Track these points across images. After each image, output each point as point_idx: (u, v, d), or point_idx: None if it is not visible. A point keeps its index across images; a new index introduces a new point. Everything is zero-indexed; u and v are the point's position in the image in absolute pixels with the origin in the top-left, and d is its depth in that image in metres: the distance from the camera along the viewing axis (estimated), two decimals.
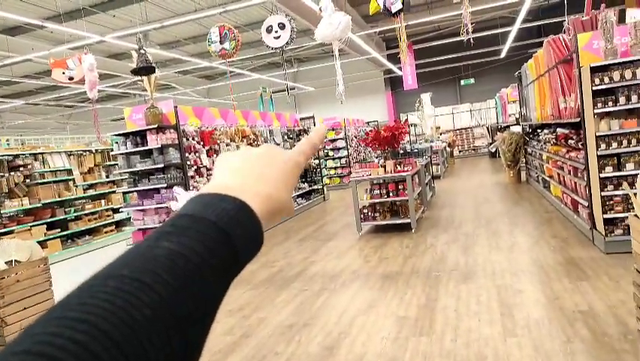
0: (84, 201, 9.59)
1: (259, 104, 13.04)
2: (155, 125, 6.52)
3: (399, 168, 7.39)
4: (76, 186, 9.51)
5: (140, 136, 6.79)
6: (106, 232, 9.85)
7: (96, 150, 10.32)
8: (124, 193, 10.05)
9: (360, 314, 4.36)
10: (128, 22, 12.58)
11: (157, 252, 0.34)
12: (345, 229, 8.30)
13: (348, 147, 15.92)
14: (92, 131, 19.85)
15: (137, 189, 6.87)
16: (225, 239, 0.38)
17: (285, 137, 11.13)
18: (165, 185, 6.63)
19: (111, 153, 8.22)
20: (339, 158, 15.87)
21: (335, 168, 15.91)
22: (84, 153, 10.01)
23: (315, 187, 12.45)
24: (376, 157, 15.22)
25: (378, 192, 7.47)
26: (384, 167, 7.39)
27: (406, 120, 8.69)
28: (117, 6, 11.47)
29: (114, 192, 9.98)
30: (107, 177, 10.31)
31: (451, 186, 12.37)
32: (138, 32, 6.58)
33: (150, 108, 6.49)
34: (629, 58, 4.84)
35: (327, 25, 4.91)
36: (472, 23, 5.05)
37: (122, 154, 6.93)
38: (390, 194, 7.40)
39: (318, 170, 12.88)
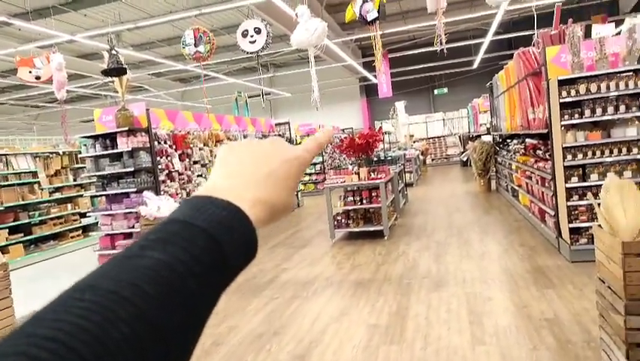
0: (49, 204, 9.28)
1: (234, 108, 12.94)
2: (126, 128, 6.37)
3: (372, 175, 7.44)
4: (42, 189, 9.19)
5: (110, 139, 6.62)
6: (72, 237, 9.54)
7: (63, 153, 10.01)
8: (92, 197, 9.79)
9: (332, 322, 4.33)
10: (99, 21, 12.29)
11: (140, 262, 0.33)
12: (319, 236, 8.27)
13: (323, 153, 15.94)
14: (60, 132, 19.29)
15: (105, 193, 6.68)
16: (215, 246, 0.36)
17: None
18: (135, 189, 6.47)
19: (79, 156, 7.98)
20: (314, 164, 15.87)
21: (310, 174, 15.90)
22: (51, 155, 9.69)
23: None
24: (350, 164, 15.32)
25: (352, 199, 7.49)
26: (358, 174, 7.42)
27: (380, 128, 8.76)
28: (89, 5, 11.19)
29: (82, 195, 9.68)
30: (75, 180, 10.00)
31: (424, 193, 12.52)
32: (110, 32, 6.43)
33: (121, 110, 6.34)
34: (594, 72, 5.01)
35: (303, 32, 4.91)
36: (445, 34, 5.13)
37: (90, 157, 6.73)
38: (364, 201, 7.43)
39: None
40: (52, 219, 9.18)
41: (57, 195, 9.52)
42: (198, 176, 8.04)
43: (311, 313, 4.63)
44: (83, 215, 9.86)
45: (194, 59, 6.08)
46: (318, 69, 17.20)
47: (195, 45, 5.92)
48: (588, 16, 11.88)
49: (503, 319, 4.01)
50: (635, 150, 4.95)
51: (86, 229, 9.90)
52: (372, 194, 7.40)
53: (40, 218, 8.97)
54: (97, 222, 9.36)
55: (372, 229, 7.44)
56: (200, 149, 8.17)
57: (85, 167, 9.76)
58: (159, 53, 15.55)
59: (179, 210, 0.39)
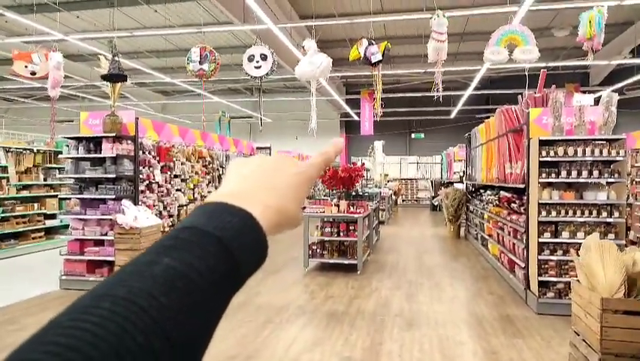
0: (15, 202, 8.91)
1: (216, 127, 12.95)
2: (113, 134, 6.29)
3: (352, 208, 7.55)
4: (10, 186, 8.84)
5: (94, 143, 6.51)
6: (34, 238, 9.15)
7: (37, 150, 9.71)
8: (60, 199, 9.47)
9: (306, 351, 4.32)
10: (91, 24, 12.24)
11: (156, 270, 0.34)
12: (292, 263, 8.25)
13: None
14: (31, 129, 18.66)
15: (81, 196, 6.50)
16: (228, 254, 0.37)
17: None
18: (114, 196, 6.34)
19: (60, 157, 7.77)
20: None
21: None
22: (24, 152, 9.38)
23: None
24: (325, 195, 15.42)
25: (329, 230, 7.56)
26: (338, 206, 7.52)
27: (363, 164, 8.97)
28: (84, 7, 11.15)
29: (53, 196, 9.36)
30: (45, 180, 9.67)
31: (395, 232, 12.72)
32: (114, 38, 6.44)
33: (110, 116, 6.28)
34: (572, 136, 5.36)
35: (308, 64, 5.08)
36: (443, 83, 5.41)
37: (71, 158, 6.58)
38: (341, 233, 7.51)
39: None
40: (16, 217, 8.81)
41: (25, 193, 9.17)
42: (177, 190, 7.96)
43: (285, 339, 4.60)
44: (48, 216, 9.50)
45: (196, 76, 6.14)
46: (301, 100, 17.51)
47: (200, 63, 5.99)
48: (562, 84, 12.70)
49: None
50: (604, 214, 5.27)
51: (50, 232, 9.52)
52: (350, 227, 7.50)
53: (3, 215, 8.59)
54: (64, 225, 9.05)
55: (346, 262, 7.50)
56: (182, 163, 8.11)
57: (58, 168, 9.51)
58: (146, 63, 15.50)
59: (194, 216, 0.40)
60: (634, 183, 8.53)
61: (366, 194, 10.04)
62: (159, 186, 7.38)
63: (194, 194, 8.54)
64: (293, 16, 10.77)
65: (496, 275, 7.47)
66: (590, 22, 5.06)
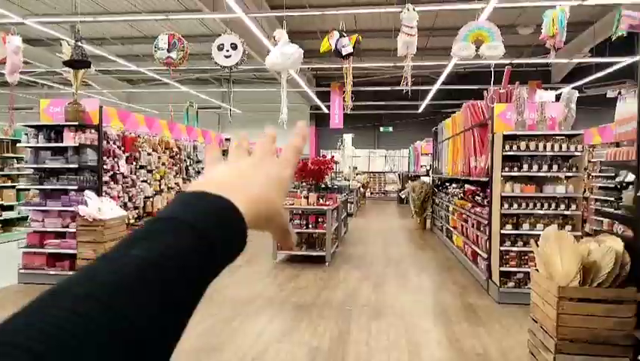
0: None
1: (184, 117, 12.69)
2: (76, 123, 6.08)
3: (321, 201, 7.59)
4: None
5: (55, 131, 6.27)
6: None
7: None
8: (18, 190, 9.10)
9: (274, 342, 4.34)
10: (51, 8, 11.72)
11: (125, 261, 0.33)
12: (260, 256, 8.22)
13: None
14: None
15: (41, 187, 6.27)
16: (203, 242, 0.37)
17: None
18: (76, 187, 6.14)
19: (18, 145, 7.44)
20: None
21: None
22: None
23: None
24: (294, 188, 15.42)
25: (298, 222, 7.57)
26: (307, 198, 7.54)
27: (333, 157, 9.02)
28: None
29: (14, 187, 8.96)
30: (2, 170, 9.26)
31: (363, 225, 12.86)
32: (78, 23, 6.18)
33: (72, 104, 6.06)
34: (534, 132, 5.55)
35: (280, 55, 5.04)
36: (412, 78, 5.48)
37: (31, 147, 6.32)
38: (310, 226, 7.54)
39: None
40: None
41: None
42: (143, 181, 7.78)
43: (252, 331, 4.60)
44: (5, 208, 9.11)
45: (164, 64, 5.99)
46: (271, 91, 17.36)
47: (168, 51, 5.85)
48: (526, 80, 13.07)
49: (438, 351, 4.23)
50: (562, 206, 5.50)
51: (7, 224, 9.14)
52: (319, 219, 7.54)
53: None
54: (22, 217, 8.71)
55: (314, 254, 7.54)
56: (148, 154, 7.93)
57: (17, 157, 9.12)
58: (111, 50, 14.99)
59: (171, 205, 0.40)
60: (590, 177, 8.92)
61: (336, 187, 10.10)
62: (124, 177, 7.19)
63: (160, 185, 8.37)
64: (264, 5, 10.64)
65: (459, 266, 7.68)
66: (552, 20, 5.23)
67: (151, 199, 8.05)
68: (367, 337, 4.49)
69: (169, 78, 16.47)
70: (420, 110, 19.96)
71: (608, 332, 2.83)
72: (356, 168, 19.60)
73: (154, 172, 8.13)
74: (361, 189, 17.57)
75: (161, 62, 5.93)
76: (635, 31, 3.92)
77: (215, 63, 5.88)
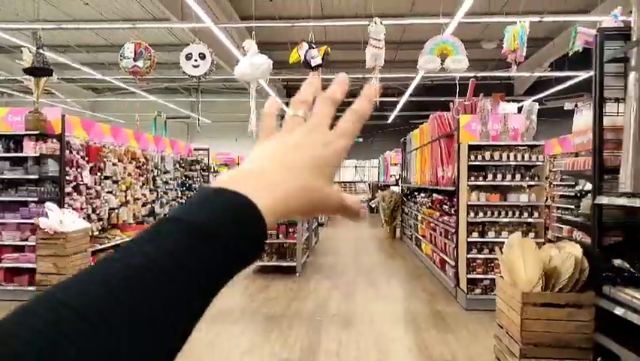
0: None
1: (152, 127, 12.47)
2: (37, 132, 5.88)
3: None
4: None
5: (14, 141, 6.04)
6: None
7: None
8: None
9: (244, 355, 4.27)
10: (12, 14, 11.35)
11: (112, 269, 0.31)
12: None
13: None
14: None
15: None
16: (213, 242, 0.34)
17: (177, 165, 10.73)
18: (37, 199, 5.92)
19: None
20: None
21: None
22: None
23: None
24: None
25: (268, 232, 7.51)
26: None
27: None
28: None
29: None
30: None
31: (334, 234, 12.90)
32: (39, 30, 5.99)
33: (33, 113, 5.86)
34: (498, 142, 5.73)
35: (249, 65, 5.04)
36: (380, 89, 5.56)
37: None
38: (280, 236, 7.50)
39: None
40: None
41: None
42: (108, 192, 7.57)
43: (223, 343, 4.52)
44: None
45: (130, 73, 5.88)
46: (241, 101, 17.28)
47: (134, 59, 5.74)
48: (490, 93, 13.50)
49: (407, 359, 4.26)
50: (525, 214, 5.67)
51: None
52: (289, 230, 7.51)
53: None
54: None
55: (285, 264, 7.50)
56: (113, 164, 7.72)
57: None
58: (75, 57, 14.62)
59: (183, 205, 0.38)
60: (551, 186, 9.25)
61: None
62: (88, 188, 6.98)
63: (126, 196, 8.16)
64: (233, 16, 10.63)
65: (428, 274, 7.79)
66: (513, 35, 5.44)
67: (116, 211, 7.84)
68: (337, 347, 4.48)
69: (136, 87, 16.21)
70: (389, 121, 20.27)
71: (569, 335, 2.93)
72: None
73: (119, 183, 7.93)
74: None
75: (127, 70, 5.82)
76: (589, 47, 4.12)
77: (184, 73, 5.82)
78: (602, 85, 2.85)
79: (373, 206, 17.61)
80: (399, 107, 17.07)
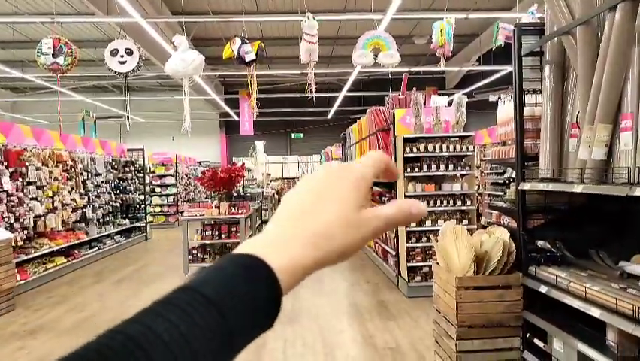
0: None
1: (80, 128, 11.78)
2: None
3: (233, 210, 7.44)
4: None
5: None
6: None
7: None
8: None
9: None
10: None
11: (114, 342, 0.30)
12: (171, 271, 7.87)
13: (178, 184, 15.32)
14: None
15: None
16: (218, 319, 0.33)
17: (110, 167, 10.20)
18: None
19: None
20: (167, 195, 15.12)
21: (161, 205, 15.06)
22: None
23: (137, 224, 11.55)
24: (206, 198, 14.98)
25: (210, 233, 7.34)
26: (219, 208, 7.35)
27: (243, 164, 8.89)
28: None
29: None
30: None
31: None
32: None
33: None
34: (431, 134, 5.94)
35: (180, 61, 4.87)
36: (316, 85, 5.59)
37: None
38: (223, 236, 7.35)
39: (142, 206, 12.03)
40: None
41: None
42: (32, 199, 7.06)
43: None
44: None
45: (50, 70, 5.48)
46: (178, 99, 16.75)
47: (54, 56, 5.35)
48: (423, 87, 13.98)
49: (353, 349, 4.33)
50: (459, 203, 5.93)
51: None
52: (232, 229, 7.37)
53: None
54: None
55: None
56: (37, 168, 7.21)
57: None
58: None
59: (200, 273, 0.36)
60: (482, 174, 9.74)
61: (248, 194, 9.98)
62: (9, 195, 6.48)
63: (53, 202, 7.66)
64: (164, 10, 10.24)
65: (372, 265, 7.96)
66: (441, 31, 5.66)
67: (43, 218, 7.34)
68: (283, 344, 4.47)
69: (61, 86, 15.20)
70: (329, 117, 20.47)
71: (500, 315, 3.10)
72: (269, 175, 19.55)
73: (45, 188, 7.42)
74: (276, 195, 17.55)
75: (46, 68, 5.43)
76: (510, 42, 4.38)
77: (109, 69, 5.52)
78: (521, 77, 3.03)
79: None
80: (338, 102, 17.28)
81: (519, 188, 3.09)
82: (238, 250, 0.39)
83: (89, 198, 9.00)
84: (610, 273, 2.63)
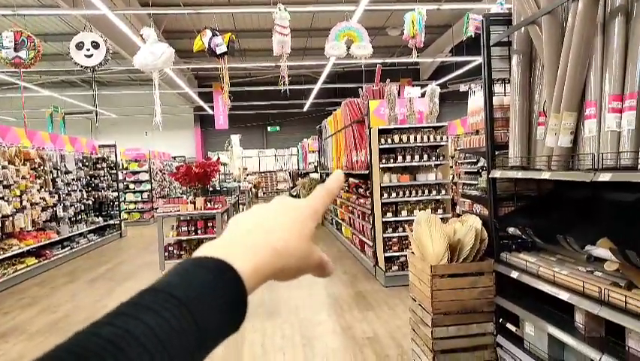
0: None
1: (48, 124, 11.43)
2: None
3: (209, 205, 7.36)
4: None
5: None
6: None
7: None
8: None
9: None
10: None
11: (91, 344, 0.30)
12: (146, 268, 7.75)
13: (152, 180, 15.06)
14: None
15: None
16: (188, 317, 0.33)
17: (80, 164, 9.95)
18: None
19: None
20: (141, 192, 14.85)
21: (135, 202, 14.78)
22: None
23: (111, 222, 11.32)
24: (182, 193, 14.77)
25: (185, 229, 7.25)
26: (194, 203, 7.26)
27: (218, 159, 8.79)
28: None
29: None
30: None
31: None
32: None
33: None
34: (405, 125, 5.98)
35: (149, 54, 4.76)
36: (289, 77, 5.55)
37: None
38: (199, 231, 7.27)
39: (116, 203, 11.79)
40: None
41: None
42: None
43: None
44: None
45: (12, 65, 5.28)
46: (150, 93, 16.42)
47: (16, 50, 5.15)
48: (398, 78, 14.06)
49: (332, 340, 4.36)
50: (434, 192, 6.01)
51: None
52: (208, 224, 7.30)
53: None
54: None
55: None
56: (3, 167, 6.98)
57: None
58: None
59: (165, 275, 0.37)
60: (457, 164, 9.89)
61: (225, 189, 9.88)
62: None
63: (22, 202, 7.43)
64: (133, 2, 9.98)
65: (350, 255, 8.01)
66: (412, 22, 5.68)
67: (11, 218, 7.12)
68: (262, 337, 4.47)
69: (27, 81, 14.70)
70: (305, 109, 20.40)
71: (474, 301, 3.16)
72: (246, 168, 19.40)
73: (12, 187, 7.19)
74: (253, 189, 17.44)
75: (7, 62, 5.23)
76: (480, 33, 4.44)
77: (75, 63, 5.36)
78: (490, 67, 3.07)
79: (295, 194, 17.71)
80: (313, 94, 17.23)
81: (490, 176, 3.14)
82: (199, 253, 0.40)
83: (59, 197, 8.77)
84: (577, 257, 2.71)
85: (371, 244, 6.50)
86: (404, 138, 5.90)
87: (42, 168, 8.16)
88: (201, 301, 0.35)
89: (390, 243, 6.04)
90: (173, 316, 0.33)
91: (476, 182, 8.47)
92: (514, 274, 2.90)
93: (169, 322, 0.32)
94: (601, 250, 2.23)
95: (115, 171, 11.94)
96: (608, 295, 2.15)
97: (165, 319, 0.32)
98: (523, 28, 2.83)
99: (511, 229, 3.06)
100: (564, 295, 2.43)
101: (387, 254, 6.01)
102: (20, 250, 7.34)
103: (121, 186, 12.88)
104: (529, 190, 3.27)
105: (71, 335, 0.31)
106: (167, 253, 7.16)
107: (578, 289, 2.35)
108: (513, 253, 3.09)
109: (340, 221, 9.12)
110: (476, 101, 3.44)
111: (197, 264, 0.38)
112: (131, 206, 14.64)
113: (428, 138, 5.93)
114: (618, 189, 2.37)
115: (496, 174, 3.06)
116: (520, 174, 2.82)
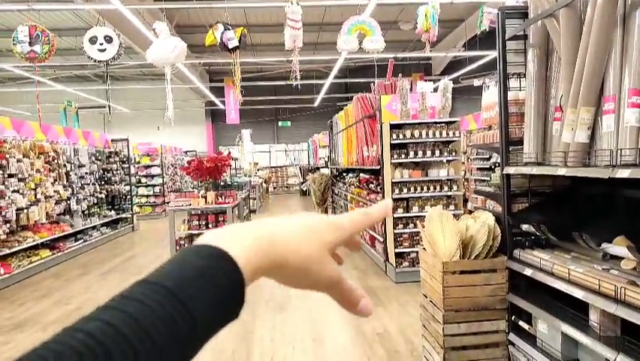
0: None
1: (62, 118, 11.55)
2: None
3: (220, 199, 7.39)
4: None
5: None
6: None
7: None
8: None
9: None
10: None
11: (75, 339, 0.29)
12: (158, 262, 7.60)
13: (164, 175, 15.17)
14: None
15: None
16: (180, 308, 0.33)
17: (94, 158, 10.05)
18: None
19: None
20: (153, 186, 14.97)
21: (147, 196, 14.91)
22: None
23: (124, 216, 11.44)
24: (193, 187, 14.86)
25: (197, 223, 7.30)
26: (205, 198, 7.29)
27: (229, 153, 8.82)
28: None
29: None
30: None
31: None
32: None
33: None
34: (417, 120, 5.93)
35: (161, 49, 4.77)
36: (300, 72, 5.53)
37: None
38: (210, 225, 7.30)
39: (128, 197, 11.90)
40: None
41: None
42: (14, 191, 6.93)
43: None
44: None
45: (27, 59, 5.33)
46: (162, 87, 16.53)
47: (30, 44, 5.20)
48: (410, 73, 13.96)
49: (342, 336, 4.35)
50: (445, 188, 5.96)
51: None
52: (219, 218, 7.33)
53: None
54: None
55: None
56: (18, 160, 7.07)
57: None
58: None
59: (161, 265, 0.37)
60: (469, 160, 9.80)
61: (236, 183, 9.92)
62: None
63: (36, 195, 7.53)
64: None
65: (360, 251, 7.99)
66: (426, 16, 5.62)
67: (26, 211, 7.22)
68: (272, 332, 4.48)
69: (41, 75, 14.87)
70: (316, 104, 20.37)
71: (486, 298, 3.13)
72: (257, 163, 19.47)
73: (27, 180, 7.29)
74: (264, 184, 17.49)
75: (22, 56, 5.28)
76: (495, 27, 4.37)
77: (88, 57, 5.39)
78: (505, 61, 3.01)
79: (305, 189, 17.73)
80: (324, 89, 17.18)
81: (504, 172, 3.10)
82: (200, 241, 0.39)
83: (72, 190, 8.87)
84: (593, 255, 2.66)
85: (381, 239, 6.47)
86: (416, 133, 5.85)
87: (56, 161, 8.25)
88: (192, 287, 0.34)
89: (401, 239, 6.00)
90: (159, 305, 0.32)
91: (488, 178, 8.38)
92: (528, 272, 2.86)
93: (155, 311, 0.32)
94: (617, 247, 2.19)
95: (127, 165, 12.05)
96: (625, 294, 2.11)
97: (151, 308, 0.32)
98: (539, 22, 2.77)
99: (525, 226, 3.01)
100: (579, 294, 2.39)
101: (397, 250, 5.98)
102: (35, 243, 7.44)
103: (133, 180, 12.99)
104: (544, 187, 3.21)
105: (59, 330, 0.31)
106: (178, 247, 7.22)
107: (594, 288, 2.30)
108: (526, 250, 3.04)
109: None
110: (490, 96, 3.39)
111: (192, 251, 0.38)
112: (143, 200, 14.76)
113: (440, 134, 5.88)
114: (636, 185, 2.32)
115: (510, 170, 3.01)
116: (535, 170, 2.77)
